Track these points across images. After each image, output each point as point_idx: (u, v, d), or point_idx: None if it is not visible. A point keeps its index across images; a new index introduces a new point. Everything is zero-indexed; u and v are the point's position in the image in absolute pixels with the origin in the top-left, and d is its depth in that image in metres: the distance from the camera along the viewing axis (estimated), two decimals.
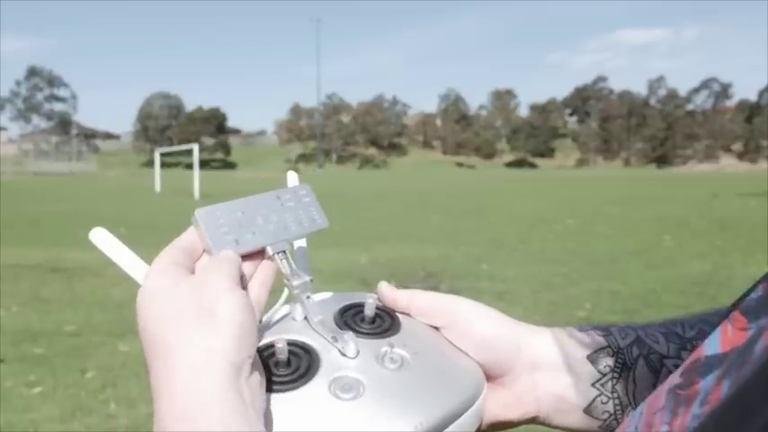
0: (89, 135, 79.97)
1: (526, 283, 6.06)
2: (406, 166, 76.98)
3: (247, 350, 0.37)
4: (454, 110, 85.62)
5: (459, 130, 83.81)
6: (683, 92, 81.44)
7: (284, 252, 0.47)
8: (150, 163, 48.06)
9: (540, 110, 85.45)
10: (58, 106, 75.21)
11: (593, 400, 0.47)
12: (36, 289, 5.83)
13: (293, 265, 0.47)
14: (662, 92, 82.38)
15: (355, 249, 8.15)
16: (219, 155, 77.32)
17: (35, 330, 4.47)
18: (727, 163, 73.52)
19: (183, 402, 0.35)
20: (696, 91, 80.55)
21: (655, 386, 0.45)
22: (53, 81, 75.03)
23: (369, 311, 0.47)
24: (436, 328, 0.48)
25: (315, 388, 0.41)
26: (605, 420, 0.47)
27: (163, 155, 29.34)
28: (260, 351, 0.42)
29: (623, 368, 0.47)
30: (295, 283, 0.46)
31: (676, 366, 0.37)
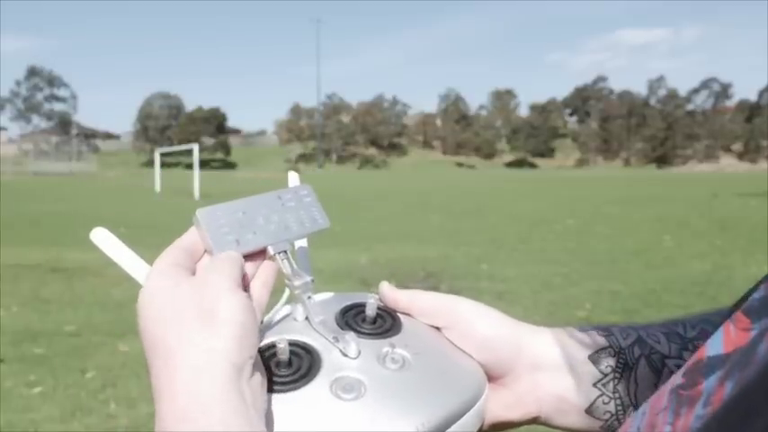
0: (89, 135, 79.98)
1: (526, 283, 6.06)
2: (406, 166, 76.98)
3: (249, 350, 0.37)
4: (454, 110, 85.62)
5: (459, 130, 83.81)
6: (683, 92, 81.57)
7: (285, 252, 0.47)
8: (150, 163, 48.07)
9: (540, 110, 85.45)
10: (58, 106, 75.29)
11: (595, 400, 0.47)
12: (36, 289, 5.83)
13: (294, 266, 0.47)
14: (662, 92, 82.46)
15: (355, 249, 8.15)
16: (219, 155, 77.33)
17: (35, 330, 4.47)
18: (727, 163, 73.53)
19: (184, 403, 0.35)
20: (696, 91, 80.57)
21: (656, 386, 0.45)
22: (53, 81, 75.05)
23: (370, 312, 0.47)
24: (437, 328, 0.48)
25: (316, 388, 0.41)
26: (607, 421, 0.47)
27: (163, 155, 29.34)
28: (261, 351, 0.42)
29: (625, 368, 0.47)
30: (296, 283, 0.46)
31: (678, 366, 0.37)
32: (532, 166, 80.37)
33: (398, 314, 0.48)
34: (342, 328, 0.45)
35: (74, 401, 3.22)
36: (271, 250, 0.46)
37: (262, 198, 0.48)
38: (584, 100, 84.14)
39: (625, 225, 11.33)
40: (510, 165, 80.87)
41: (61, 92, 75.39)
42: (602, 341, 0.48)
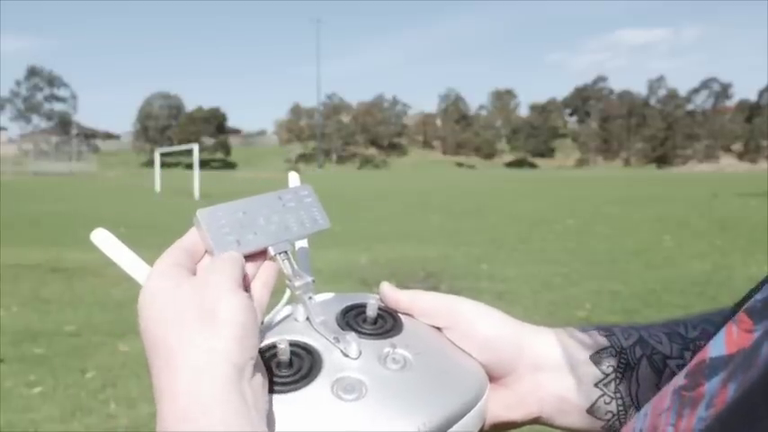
0: (89, 135, 79.97)
1: (526, 283, 6.06)
2: (406, 166, 76.98)
3: (249, 351, 0.37)
4: (454, 110, 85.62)
5: (459, 130, 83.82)
6: (683, 92, 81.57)
7: (286, 252, 0.47)
8: (150, 163, 48.07)
9: (540, 110, 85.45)
10: (58, 106, 75.28)
11: (596, 400, 0.47)
12: (36, 289, 5.83)
13: (295, 266, 0.47)
14: (662, 92, 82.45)
15: (355, 249, 8.15)
16: (219, 155, 77.32)
17: (35, 330, 4.47)
18: (727, 163, 73.53)
19: (184, 403, 0.35)
20: (696, 91, 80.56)
21: (658, 387, 0.45)
22: (53, 81, 75.05)
23: (371, 312, 0.47)
24: (438, 328, 0.48)
25: (317, 389, 0.41)
26: (608, 421, 0.47)
27: (163, 155, 29.34)
28: (262, 352, 0.42)
29: (626, 369, 0.47)
30: (297, 283, 0.46)
31: (679, 367, 0.37)
32: (532, 166, 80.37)
33: (399, 314, 0.48)
34: (343, 329, 0.45)
35: (74, 401, 3.22)
36: (271, 251, 0.46)
37: (262, 198, 0.48)
38: (584, 100, 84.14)
39: (625, 225, 11.33)
40: (510, 165, 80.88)
41: (61, 92, 75.50)
42: (603, 341, 0.48)
